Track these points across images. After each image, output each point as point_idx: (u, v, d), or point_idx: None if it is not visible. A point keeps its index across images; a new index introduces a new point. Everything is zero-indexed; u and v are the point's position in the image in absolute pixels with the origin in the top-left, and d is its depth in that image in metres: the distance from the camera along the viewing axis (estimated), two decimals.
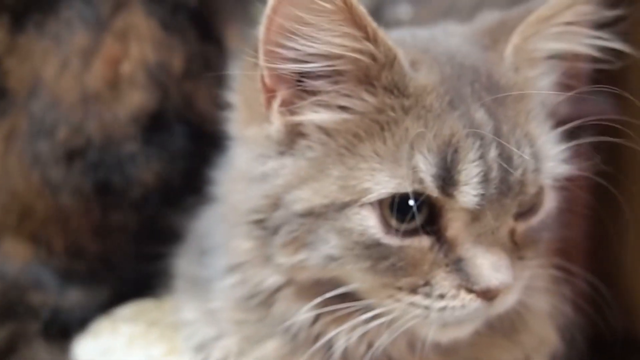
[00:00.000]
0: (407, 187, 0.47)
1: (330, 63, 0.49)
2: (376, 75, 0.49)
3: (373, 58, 0.48)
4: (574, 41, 0.56)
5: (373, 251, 0.49)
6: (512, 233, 0.52)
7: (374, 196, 0.48)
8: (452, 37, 0.58)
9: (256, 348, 0.58)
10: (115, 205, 0.75)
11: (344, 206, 0.49)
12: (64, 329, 0.73)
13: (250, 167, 0.54)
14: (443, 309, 0.50)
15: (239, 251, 0.56)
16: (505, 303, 0.52)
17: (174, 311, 0.67)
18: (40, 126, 0.73)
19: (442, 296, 0.49)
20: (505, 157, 0.48)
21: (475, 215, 0.48)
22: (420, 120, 0.49)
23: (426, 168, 0.47)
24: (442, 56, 0.53)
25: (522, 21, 0.54)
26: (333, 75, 0.49)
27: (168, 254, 0.71)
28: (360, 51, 0.48)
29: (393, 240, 0.49)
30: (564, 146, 0.53)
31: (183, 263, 0.68)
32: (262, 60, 0.49)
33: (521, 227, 0.53)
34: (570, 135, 0.56)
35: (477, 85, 0.51)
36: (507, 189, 0.49)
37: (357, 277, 0.51)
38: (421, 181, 0.47)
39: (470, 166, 0.47)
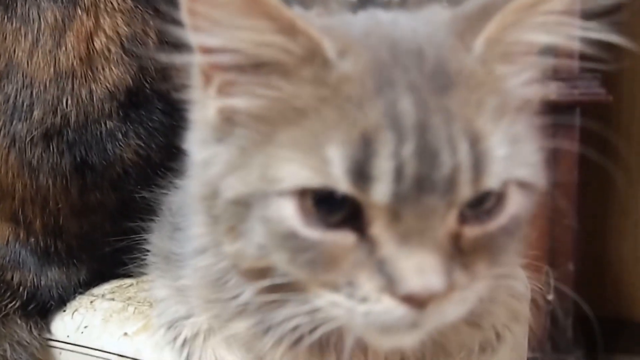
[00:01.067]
0: (318, 180, 0.44)
1: (246, 55, 0.47)
2: (294, 68, 0.47)
3: (288, 51, 0.46)
4: (561, 34, 0.50)
5: (291, 243, 0.47)
6: (455, 237, 0.47)
7: (285, 186, 0.45)
8: (417, 22, 0.53)
9: (226, 327, 0.57)
10: (94, 184, 0.75)
11: (264, 195, 0.47)
12: (43, 308, 0.74)
13: (195, 152, 0.53)
14: (367, 313, 0.46)
15: (197, 236, 0.56)
16: (444, 314, 0.47)
17: (146, 288, 0.67)
18: (16, 107, 0.73)
19: (364, 299, 0.46)
20: (429, 152, 0.44)
21: (396, 214, 0.44)
22: (339, 110, 0.45)
23: (338, 161, 0.44)
24: (383, 42, 0.49)
25: (503, 7, 0.48)
26: (253, 66, 0.48)
27: (144, 230, 0.71)
28: (273, 45, 0.46)
29: (313, 234, 0.46)
30: (532, 147, 0.48)
31: (156, 239, 0.68)
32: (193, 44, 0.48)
33: (472, 231, 0.47)
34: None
35: (415, 73, 0.46)
36: (430, 188, 0.44)
37: (284, 269, 0.49)
38: (333, 175, 0.44)
39: (383, 160, 0.44)
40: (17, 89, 0.72)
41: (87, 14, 0.73)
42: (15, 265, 0.75)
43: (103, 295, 0.74)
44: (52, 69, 0.73)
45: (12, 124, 0.73)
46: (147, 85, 0.77)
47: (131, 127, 0.76)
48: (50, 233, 0.75)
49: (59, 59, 0.73)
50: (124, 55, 0.75)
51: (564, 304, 1.59)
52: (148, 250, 0.69)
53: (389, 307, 0.45)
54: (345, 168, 0.44)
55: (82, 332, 0.70)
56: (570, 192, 1.56)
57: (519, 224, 0.49)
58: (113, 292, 0.75)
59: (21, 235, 0.75)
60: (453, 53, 0.48)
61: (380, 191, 0.43)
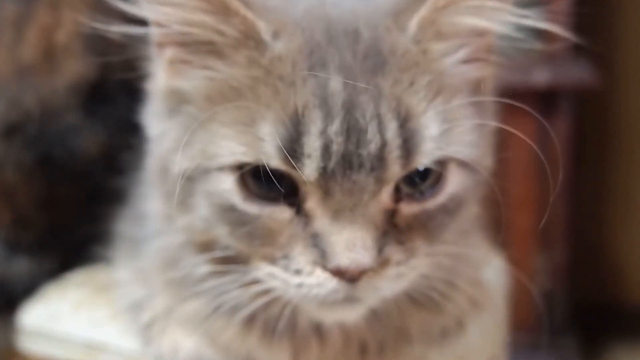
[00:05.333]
0: (252, 157, 0.47)
1: (181, 33, 0.50)
2: (229, 49, 0.49)
3: (221, 33, 0.48)
4: (494, 18, 0.51)
5: (231, 216, 0.49)
6: (391, 214, 0.49)
7: (223, 161, 0.48)
8: (358, 1, 0.54)
9: (182, 308, 0.59)
10: (60, 177, 0.76)
11: (206, 170, 0.49)
12: (11, 299, 0.75)
13: (150, 127, 0.55)
14: (300, 285, 0.48)
15: (154, 212, 0.57)
16: (379, 288, 0.49)
17: (110, 271, 0.68)
18: None
19: (298, 272, 0.48)
20: (356, 130, 0.46)
21: (327, 190, 0.46)
22: (272, 90, 0.47)
23: (270, 139, 0.46)
24: (321, 22, 0.51)
25: None
26: (192, 45, 0.50)
27: (111, 217, 0.72)
28: (205, 25, 0.48)
29: (251, 208, 0.48)
30: (472, 126, 0.49)
31: (122, 224, 0.69)
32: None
33: (409, 209, 0.49)
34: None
35: (348, 53, 0.48)
36: (357, 165, 0.46)
37: (226, 242, 0.51)
38: (266, 152, 0.46)
39: (312, 138, 0.46)
40: None
41: (48, 8, 0.74)
42: None
43: (72, 283, 0.75)
44: (13, 64, 0.73)
45: None
46: (112, 79, 0.77)
47: (96, 121, 0.77)
48: (18, 225, 0.76)
49: (20, 53, 0.74)
50: (86, 49, 0.76)
51: (558, 288, 1.60)
52: (112, 235, 0.71)
53: (320, 280, 0.48)
54: (277, 145, 0.46)
55: (51, 320, 0.71)
56: (562, 178, 1.57)
57: (460, 203, 0.51)
58: (82, 280, 0.75)
59: None
60: (388, 33, 0.50)
61: (310, 167, 0.46)
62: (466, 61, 0.52)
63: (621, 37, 1.78)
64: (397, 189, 0.48)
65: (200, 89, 0.50)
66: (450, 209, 0.50)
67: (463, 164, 0.49)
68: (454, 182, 0.50)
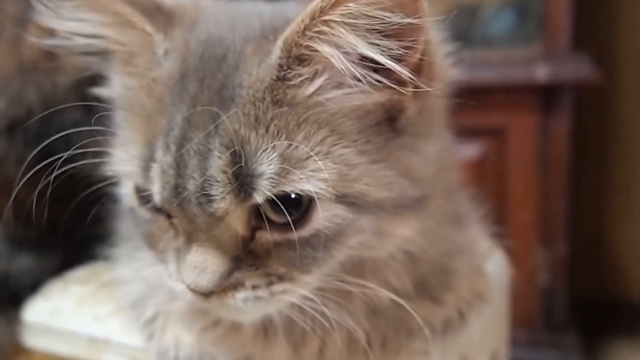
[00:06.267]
0: (129, 172, 0.51)
1: (91, 42, 0.54)
2: (128, 60, 0.53)
3: (120, 43, 0.52)
4: (345, 47, 0.47)
5: (134, 216, 0.55)
6: (247, 240, 0.49)
7: (118, 169, 0.52)
8: (252, 18, 0.54)
9: (178, 304, 0.60)
10: (62, 174, 0.76)
11: (120, 174, 0.54)
12: (14, 296, 0.75)
13: None
14: (172, 289, 0.52)
15: None
16: (232, 307, 0.50)
17: (111, 269, 0.68)
18: None
19: (170, 276, 0.52)
20: (183, 164, 0.47)
21: (172, 215, 0.50)
22: (150, 111, 0.50)
23: (135, 159, 0.50)
24: (202, 44, 0.51)
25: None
26: (104, 54, 0.55)
27: (112, 215, 0.72)
28: (106, 37, 0.52)
29: (144, 213, 0.53)
30: (337, 160, 0.47)
31: (123, 223, 0.69)
32: None
33: (270, 237, 0.49)
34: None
35: (206, 82, 0.48)
36: (186, 198, 0.47)
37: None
38: (134, 170, 0.50)
39: (155, 166, 0.48)
40: None
41: None
42: None
43: (76, 280, 0.76)
44: (14, 61, 0.73)
45: None
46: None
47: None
48: (21, 221, 0.76)
49: (22, 50, 0.74)
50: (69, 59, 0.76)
51: (558, 284, 1.61)
52: (113, 233, 0.71)
53: (182, 289, 0.51)
54: (139, 166, 0.50)
55: (54, 316, 0.71)
56: (562, 174, 1.57)
57: (335, 237, 0.49)
58: (86, 277, 0.76)
59: None
60: (249, 60, 0.49)
61: (154, 193, 0.49)
62: (336, 88, 0.49)
63: (621, 32, 1.78)
64: (258, 216, 0.48)
65: (119, 98, 0.55)
66: (317, 243, 0.49)
67: (342, 198, 0.48)
68: (322, 217, 0.48)
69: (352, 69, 0.47)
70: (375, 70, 0.48)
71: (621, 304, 1.85)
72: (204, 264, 0.48)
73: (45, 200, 0.77)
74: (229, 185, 0.46)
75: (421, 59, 0.49)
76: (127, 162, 0.51)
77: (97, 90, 0.59)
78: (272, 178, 0.46)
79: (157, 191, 0.49)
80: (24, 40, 0.74)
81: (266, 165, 0.46)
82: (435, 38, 0.53)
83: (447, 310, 0.62)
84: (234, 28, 0.52)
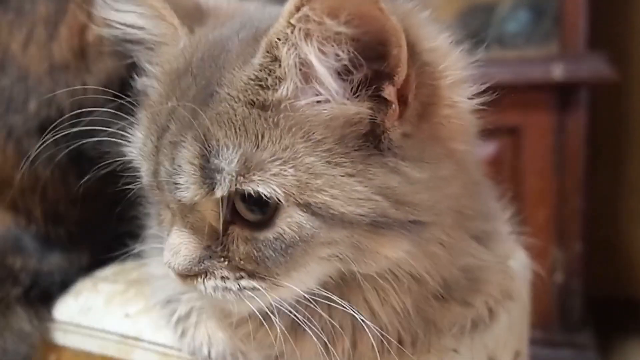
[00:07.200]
0: (136, 152, 0.55)
1: (133, 32, 0.59)
2: (156, 50, 0.58)
3: (153, 35, 0.57)
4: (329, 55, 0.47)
5: (149, 196, 0.60)
6: (221, 233, 0.51)
7: (129, 151, 0.56)
8: (257, 18, 0.57)
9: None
10: (92, 173, 0.77)
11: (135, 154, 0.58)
12: (45, 294, 0.76)
13: None
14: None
15: None
16: (206, 294, 0.52)
17: (143, 266, 0.69)
18: (11, 99, 0.75)
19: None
20: (160, 152, 0.51)
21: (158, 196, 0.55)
22: (155, 98, 0.55)
23: (138, 140, 0.54)
24: (208, 44, 0.55)
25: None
26: (143, 44, 0.60)
27: (145, 214, 0.73)
28: (145, 28, 0.57)
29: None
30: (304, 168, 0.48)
31: (152, 219, 0.70)
32: None
33: (239, 233, 0.51)
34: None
35: (197, 79, 0.52)
36: (161, 183, 0.52)
37: None
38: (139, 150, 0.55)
39: (145, 149, 0.53)
40: (12, 82, 0.74)
41: (80, 7, 0.75)
42: (17, 250, 0.77)
43: (105, 278, 0.76)
44: (46, 62, 0.75)
45: (8, 115, 0.75)
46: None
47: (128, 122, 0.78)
48: (51, 220, 0.77)
49: (53, 51, 0.75)
50: (117, 47, 0.77)
51: (573, 284, 1.60)
52: (145, 231, 0.72)
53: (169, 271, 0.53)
54: (139, 147, 0.55)
55: (85, 314, 0.72)
56: (577, 173, 1.57)
57: (295, 244, 0.49)
58: (115, 275, 0.77)
59: (22, 222, 0.77)
60: (236, 60, 0.51)
61: (143, 174, 0.55)
62: (310, 95, 0.49)
63: (637, 31, 1.78)
64: (234, 212, 0.50)
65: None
66: (279, 247, 0.50)
67: (305, 207, 0.48)
68: (287, 223, 0.49)
69: (329, 77, 0.47)
70: (357, 83, 0.48)
71: (636, 303, 1.84)
72: (178, 247, 0.51)
73: (73, 199, 0.79)
74: (194, 176, 0.49)
75: (406, 80, 0.48)
76: (139, 142, 0.54)
77: (134, 82, 0.62)
78: (232, 175, 0.48)
79: (144, 172, 0.54)
80: (55, 41, 0.75)
81: (227, 163, 0.48)
82: (436, 63, 0.51)
83: (476, 311, 0.63)
84: (240, 30, 0.54)
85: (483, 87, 0.54)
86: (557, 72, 1.52)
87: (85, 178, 0.67)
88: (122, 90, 0.78)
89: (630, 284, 1.88)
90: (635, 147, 1.84)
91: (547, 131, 1.57)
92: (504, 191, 0.77)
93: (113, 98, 0.76)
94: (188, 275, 0.52)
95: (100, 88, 0.76)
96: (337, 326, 0.56)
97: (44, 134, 0.76)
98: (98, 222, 0.78)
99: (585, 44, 1.56)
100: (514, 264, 0.74)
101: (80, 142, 0.76)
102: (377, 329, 0.55)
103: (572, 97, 1.55)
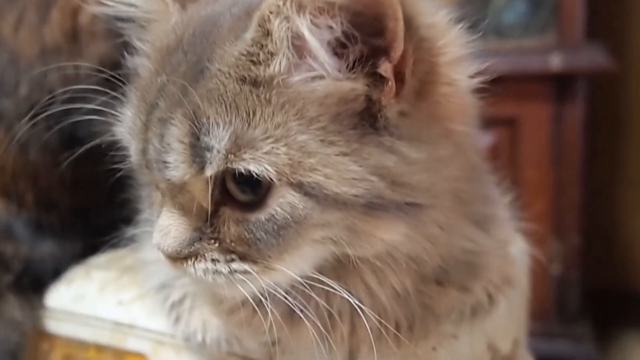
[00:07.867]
0: (125, 131, 0.54)
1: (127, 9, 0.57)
2: (147, 27, 0.57)
3: (145, 11, 0.56)
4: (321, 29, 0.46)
5: (139, 177, 0.60)
6: (211, 214, 0.50)
7: (119, 131, 0.55)
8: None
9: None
10: (84, 158, 0.76)
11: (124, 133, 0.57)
12: (37, 281, 0.75)
13: None
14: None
15: None
16: (196, 277, 0.51)
17: (136, 252, 0.68)
18: (2, 84, 0.74)
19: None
20: (149, 130, 0.50)
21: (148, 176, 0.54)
22: (145, 76, 0.53)
23: (129, 119, 0.53)
24: (200, 20, 0.53)
25: None
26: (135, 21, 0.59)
27: (137, 200, 0.72)
28: (137, 5, 0.56)
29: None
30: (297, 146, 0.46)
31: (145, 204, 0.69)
32: None
33: (230, 214, 0.49)
34: None
35: (188, 56, 0.50)
36: (150, 161, 0.50)
37: None
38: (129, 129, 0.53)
39: (134, 128, 0.52)
40: (2, 66, 0.73)
41: None
42: (8, 237, 0.76)
43: (98, 265, 0.75)
44: (37, 45, 0.73)
45: None
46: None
47: (119, 101, 0.77)
48: (43, 207, 0.76)
49: (44, 35, 0.74)
50: (109, 30, 0.75)
51: (571, 275, 1.60)
52: (138, 216, 0.71)
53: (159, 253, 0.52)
54: (128, 126, 0.54)
55: (78, 302, 0.71)
56: (575, 164, 1.57)
57: (287, 226, 0.48)
58: (108, 262, 0.76)
59: (13, 208, 0.76)
60: (227, 35, 0.50)
61: (132, 153, 0.53)
62: (303, 70, 0.47)
63: (635, 22, 1.78)
64: (224, 192, 0.49)
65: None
66: (271, 229, 0.48)
67: (298, 187, 0.47)
68: (279, 203, 0.48)
69: (322, 51, 0.46)
70: (353, 59, 0.47)
71: (634, 295, 1.85)
72: (168, 229, 0.50)
73: (65, 185, 0.78)
74: (183, 154, 0.47)
75: (403, 56, 0.47)
76: (128, 120, 0.53)
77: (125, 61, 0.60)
78: (223, 153, 0.46)
79: (132, 152, 0.52)
80: (47, 24, 0.74)
81: (218, 141, 0.46)
82: (435, 39, 0.50)
83: (475, 297, 0.62)
84: (232, 5, 0.53)
85: (483, 66, 0.53)
86: (555, 62, 1.51)
87: (74, 156, 0.67)
88: (115, 74, 0.78)
89: (628, 276, 1.88)
90: (634, 138, 1.84)
91: (544, 122, 1.56)
92: (501, 179, 0.76)
93: (105, 81, 0.77)
94: (178, 258, 0.50)
95: (93, 73, 0.76)
96: (335, 312, 0.55)
97: (35, 116, 0.75)
98: (91, 209, 0.77)
99: (583, 35, 1.55)
100: (514, 250, 0.73)
101: (72, 121, 0.76)
102: (373, 315, 0.54)
103: (569, 87, 1.55)
